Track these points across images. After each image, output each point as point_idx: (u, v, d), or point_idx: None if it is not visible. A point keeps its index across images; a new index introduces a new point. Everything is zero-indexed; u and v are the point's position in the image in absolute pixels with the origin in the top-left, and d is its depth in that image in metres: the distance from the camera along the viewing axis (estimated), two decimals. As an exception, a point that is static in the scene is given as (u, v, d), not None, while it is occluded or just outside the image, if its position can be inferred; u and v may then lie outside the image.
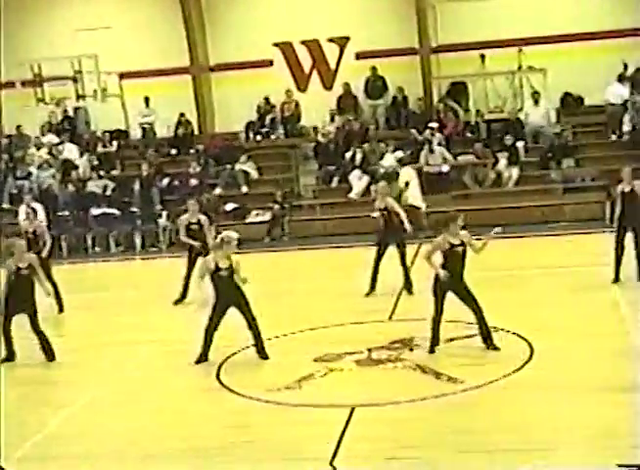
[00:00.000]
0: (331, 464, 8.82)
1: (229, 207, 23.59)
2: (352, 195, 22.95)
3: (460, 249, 11.72)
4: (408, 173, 22.06)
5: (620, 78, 23.58)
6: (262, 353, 12.31)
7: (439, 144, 23.32)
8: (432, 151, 23.04)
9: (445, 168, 22.90)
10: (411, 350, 12.21)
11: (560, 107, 24.62)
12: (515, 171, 22.66)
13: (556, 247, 19.23)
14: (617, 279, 15.00)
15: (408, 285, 15.38)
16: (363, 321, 13.88)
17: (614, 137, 23.54)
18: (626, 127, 23.13)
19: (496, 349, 11.89)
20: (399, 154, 23.41)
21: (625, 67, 23.79)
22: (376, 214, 15.79)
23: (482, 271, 15.26)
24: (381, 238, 15.58)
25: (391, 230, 15.52)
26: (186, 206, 16.69)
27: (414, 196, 21.57)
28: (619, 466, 7.94)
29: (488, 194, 22.51)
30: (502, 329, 12.68)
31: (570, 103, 24.77)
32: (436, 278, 11.80)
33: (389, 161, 23.27)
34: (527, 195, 22.22)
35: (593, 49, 24.36)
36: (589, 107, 24.63)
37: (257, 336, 12.26)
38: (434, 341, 11.99)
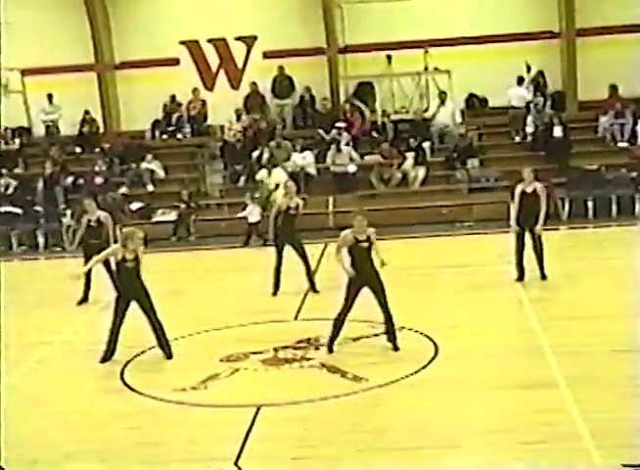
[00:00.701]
0: (235, 464, 8.77)
1: (134, 206, 23.31)
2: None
3: (365, 244, 11.77)
4: (279, 175, 22.11)
5: (520, 81, 23.99)
6: (166, 352, 12.19)
7: (347, 144, 23.42)
8: (339, 150, 23.12)
9: (352, 168, 23.00)
10: (317, 349, 12.21)
11: (465, 108, 24.95)
12: (421, 171, 22.87)
13: (461, 246, 19.48)
14: (520, 278, 15.26)
15: (312, 284, 15.40)
16: (269, 321, 13.85)
17: (517, 138, 23.97)
18: (529, 129, 23.59)
19: (397, 349, 11.97)
20: (308, 154, 23.41)
21: (528, 69, 24.25)
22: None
23: (389, 271, 15.39)
24: (282, 237, 15.50)
25: (290, 231, 15.47)
26: (85, 205, 16.42)
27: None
28: (625, 466, 8.06)
29: (395, 194, 22.68)
30: (409, 328, 12.80)
31: (474, 104, 25.16)
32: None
33: (297, 160, 23.28)
34: (433, 195, 22.46)
35: (497, 51, 24.76)
36: (493, 108, 25.03)
37: (160, 333, 12.11)
38: (333, 338, 12.02)
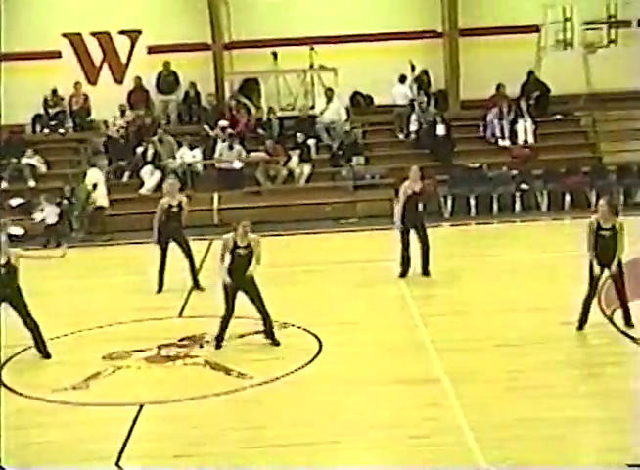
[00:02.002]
0: (117, 464, 8.66)
1: (15, 201, 22.75)
2: (144, 190, 22.64)
3: (244, 250, 11.85)
4: (95, 175, 21.91)
5: (404, 79, 24.30)
6: (43, 352, 11.95)
7: (231, 141, 23.28)
8: (230, 147, 22.99)
9: (238, 165, 22.92)
10: (201, 346, 12.16)
11: (350, 105, 25.11)
12: (306, 168, 22.95)
13: (346, 243, 19.62)
14: (403, 274, 15.46)
15: (196, 282, 15.31)
16: (153, 318, 13.72)
17: (401, 136, 24.25)
18: (413, 127, 23.86)
19: (277, 344, 12.04)
20: (196, 151, 23.25)
21: (412, 68, 24.55)
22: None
23: (274, 268, 15.44)
24: (166, 235, 15.37)
25: (176, 227, 15.37)
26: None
27: (103, 196, 21.59)
28: (630, 466, 8.16)
29: (280, 191, 22.70)
30: (293, 325, 12.84)
31: (359, 102, 25.34)
32: (228, 274, 11.94)
33: (183, 156, 23.11)
34: (319, 192, 22.55)
35: (382, 50, 25.00)
36: (378, 106, 25.26)
37: (35, 333, 11.86)
38: (220, 337, 12.03)
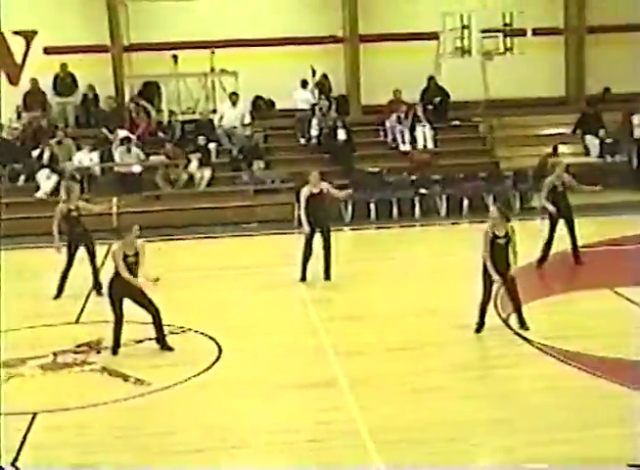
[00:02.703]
0: (10, 474, 8.50)
1: None
2: (40, 194, 22.23)
3: (132, 259, 11.79)
4: None
5: (305, 84, 24.41)
6: None
7: (126, 144, 23.02)
8: (129, 150, 22.73)
9: (137, 169, 22.69)
10: (98, 352, 12.01)
11: (251, 110, 25.10)
12: (207, 172, 22.83)
13: (247, 247, 19.59)
14: (303, 278, 15.52)
15: (97, 286, 15.10)
16: (49, 324, 13.49)
17: (302, 141, 24.31)
18: (314, 132, 23.95)
19: (170, 349, 11.99)
20: (94, 154, 22.94)
21: (313, 73, 24.69)
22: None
23: (173, 272, 15.37)
24: (71, 239, 15.16)
25: (80, 231, 15.17)
26: None
27: None
28: (630, 466, 8.25)
29: (180, 195, 22.54)
30: (191, 329, 12.79)
31: (261, 106, 25.35)
32: (111, 284, 11.94)
33: (81, 160, 22.79)
34: (219, 196, 22.46)
35: (284, 54, 25.07)
36: (280, 110, 25.31)
37: None
38: (116, 344, 11.93)
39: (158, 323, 11.96)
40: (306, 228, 15.41)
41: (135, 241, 11.89)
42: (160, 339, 12.01)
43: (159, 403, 10.32)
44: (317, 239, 15.52)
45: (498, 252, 12.09)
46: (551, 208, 15.63)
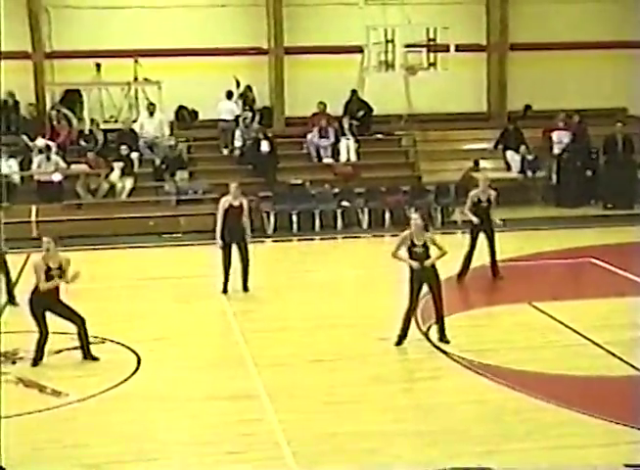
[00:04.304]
0: None
1: None
2: (-44, 202, 21.82)
3: (55, 272, 11.66)
4: None
5: (229, 95, 24.34)
6: None
7: (56, 153, 22.74)
8: (48, 159, 22.42)
9: (58, 177, 22.38)
10: (14, 363, 11.81)
11: (175, 120, 24.97)
12: (128, 182, 22.63)
13: (169, 258, 19.46)
14: (225, 290, 15.49)
15: (11, 298, 14.84)
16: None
17: (225, 152, 24.24)
18: (237, 143, 23.91)
19: (94, 359, 11.86)
20: (12, 161, 22.57)
21: (237, 84, 24.64)
22: None
23: (94, 282, 15.18)
24: None
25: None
26: None
27: None
28: (627, 466, 8.41)
29: (102, 204, 22.28)
30: (112, 340, 12.64)
31: (184, 116, 25.21)
32: (31, 298, 11.80)
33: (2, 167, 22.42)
34: (142, 206, 22.26)
35: (208, 65, 24.99)
36: (204, 121, 25.21)
37: None
38: (38, 357, 11.76)
39: (83, 333, 11.82)
40: (219, 242, 15.40)
41: (58, 254, 11.72)
42: (85, 349, 11.88)
43: (76, 415, 10.19)
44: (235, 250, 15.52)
45: (418, 259, 12.19)
46: (474, 218, 15.85)
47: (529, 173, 24.29)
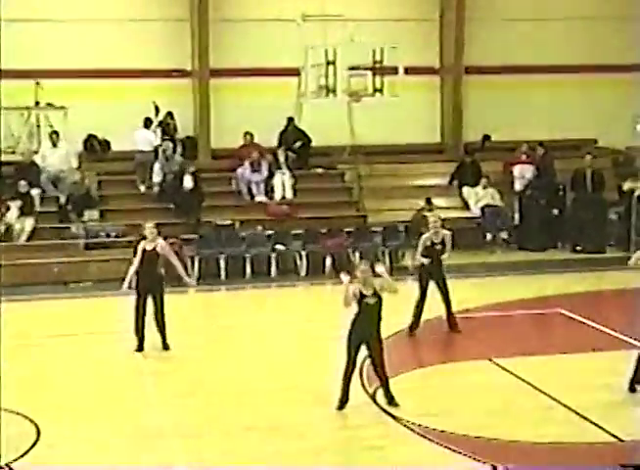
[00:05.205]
0: None
1: None
2: None
3: None
4: None
5: (147, 123, 24.24)
6: None
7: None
8: None
9: (-55, 217, 22.11)
10: None
11: (83, 151, 24.78)
12: (28, 223, 22.38)
13: (77, 311, 19.23)
14: (140, 348, 15.34)
15: None
16: None
17: (143, 188, 24.07)
18: (156, 178, 23.77)
19: None
20: None
21: (157, 110, 24.55)
22: None
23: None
24: None
25: None
26: None
27: None
28: (623, 466, 8.76)
29: (-3, 249, 22.03)
30: (10, 410, 12.41)
31: (94, 147, 25.02)
32: None
33: None
34: (44, 250, 22.00)
35: (122, 88, 24.94)
36: (117, 152, 25.06)
37: None
38: None
39: None
40: (125, 288, 15.38)
41: None
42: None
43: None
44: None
45: (366, 314, 12.19)
46: (425, 259, 15.97)
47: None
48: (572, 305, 17.89)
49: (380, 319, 12.28)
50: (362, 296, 12.20)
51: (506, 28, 26.62)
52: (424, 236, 16.35)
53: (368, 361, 12.79)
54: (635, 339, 14.71)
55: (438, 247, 16.13)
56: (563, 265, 22.00)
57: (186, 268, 21.28)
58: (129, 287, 15.54)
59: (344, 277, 12.38)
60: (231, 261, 21.98)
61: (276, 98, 24.87)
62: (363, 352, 12.42)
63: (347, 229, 23.10)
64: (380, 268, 12.60)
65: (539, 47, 26.80)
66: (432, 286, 16.14)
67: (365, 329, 12.23)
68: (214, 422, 12.05)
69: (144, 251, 15.37)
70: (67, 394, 13.45)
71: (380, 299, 12.25)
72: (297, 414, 12.28)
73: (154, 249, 15.41)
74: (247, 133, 24.84)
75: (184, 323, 16.05)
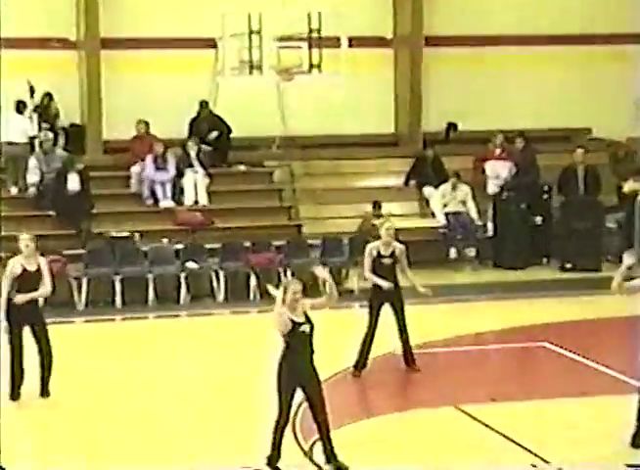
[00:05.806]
0: None
1: None
2: None
3: None
4: None
5: (18, 107, 23.92)
6: None
7: None
8: None
9: None
10: None
11: None
12: None
13: None
14: (14, 396, 15.28)
15: None
16: None
17: (14, 190, 23.85)
18: (33, 177, 23.51)
19: None
20: None
21: (32, 91, 24.30)
22: None
23: None
24: None
25: None
26: None
27: None
28: (629, 466, 9.80)
29: None
30: None
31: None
32: None
33: None
34: None
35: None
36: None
37: None
38: None
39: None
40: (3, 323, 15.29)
41: None
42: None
43: None
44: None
45: (300, 346, 12.18)
46: (382, 281, 15.96)
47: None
48: (560, 338, 18.04)
49: (313, 352, 12.31)
50: (294, 324, 12.14)
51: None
52: (369, 245, 16.33)
53: (302, 411, 12.81)
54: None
55: (388, 260, 16.12)
56: (548, 287, 22.18)
57: (71, 292, 21.40)
58: None
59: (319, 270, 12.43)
60: (129, 284, 21.94)
61: (186, 76, 24.93)
62: (298, 395, 12.44)
63: (277, 242, 23.15)
64: (320, 271, 12.60)
65: (519, 12, 26.90)
66: (384, 312, 16.15)
67: (300, 367, 12.18)
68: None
69: (24, 271, 15.21)
70: None
71: (312, 325, 12.21)
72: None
73: (38, 269, 15.28)
74: (140, 121, 24.71)
75: (69, 363, 15.92)
